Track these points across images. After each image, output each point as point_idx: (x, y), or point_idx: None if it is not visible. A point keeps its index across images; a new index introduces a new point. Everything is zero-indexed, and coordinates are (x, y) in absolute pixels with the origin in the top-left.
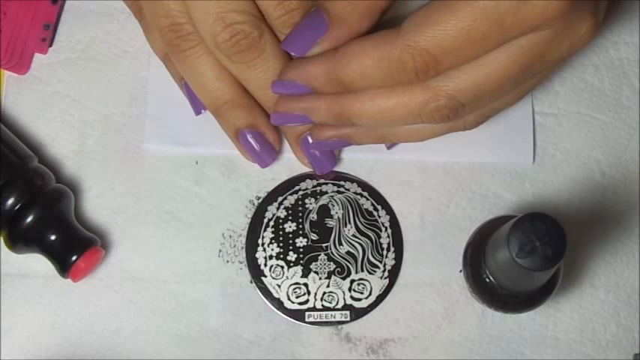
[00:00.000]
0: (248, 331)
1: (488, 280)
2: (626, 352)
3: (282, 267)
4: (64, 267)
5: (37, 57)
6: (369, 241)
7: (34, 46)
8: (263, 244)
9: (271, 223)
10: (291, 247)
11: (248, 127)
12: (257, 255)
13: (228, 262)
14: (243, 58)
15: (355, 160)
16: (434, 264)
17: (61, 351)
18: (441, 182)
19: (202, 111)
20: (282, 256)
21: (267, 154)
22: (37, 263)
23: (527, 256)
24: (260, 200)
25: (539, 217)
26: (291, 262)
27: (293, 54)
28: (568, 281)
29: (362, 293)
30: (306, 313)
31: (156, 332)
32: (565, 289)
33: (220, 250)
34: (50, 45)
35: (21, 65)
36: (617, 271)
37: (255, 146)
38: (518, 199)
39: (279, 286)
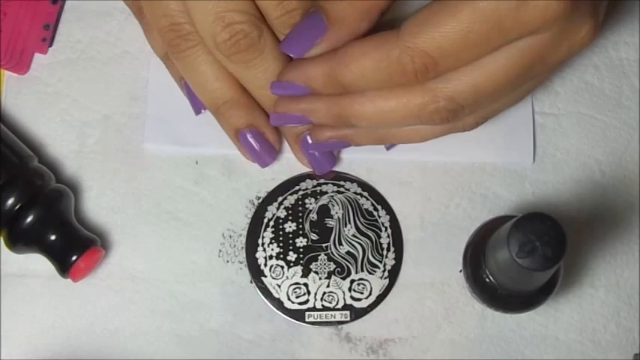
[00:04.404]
0: (248, 331)
1: (488, 280)
2: (626, 352)
3: (282, 267)
4: (64, 267)
5: (37, 57)
6: (369, 241)
7: (34, 46)
8: (263, 244)
9: (271, 223)
10: (291, 247)
11: (248, 127)
12: (257, 255)
13: (228, 262)
14: (242, 58)
15: (355, 160)
16: (434, 264)
17: (61, 351)
18: (441, 182)
19: (202, 111)
20: (282, 256)
21: (267, 154)
22: (37, 263)
23: (527, 256)
24: (260, 200)
25: (539, 217)
26: (291, 262)
27: (292, 55)
28: (568, 281)
29: (362, 293)
30: (306, 313)
31: (156, 332)
32: (565, 289)
33: (220, 250)
34: (50, 45)
35: (21, 65)
36: (617, 271)
37: (255, 146)
38: (518, 199)
39: (279, 286)
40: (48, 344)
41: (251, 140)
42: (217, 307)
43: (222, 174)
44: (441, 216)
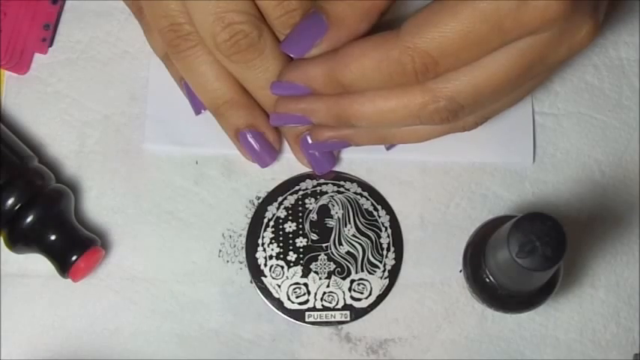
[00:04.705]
0: (248, 331)
1: (488, 280)
2: (626, 352)
3: (282, 267)
4: (64, 267)
5: (37, 57)
6: (369, 241)
7: (34, 46)
8: (263, 244)
9: (271, 223)
10: (291, 247)
11: (248, 127)
12: (257, 255)
13: (228, 262)
14: (242, 58)
15: (355, 160)
16: (434, 264)
17: (61, 351)
18: (441, 182)
19: (202, 111)
20: (282, 256)
21: (267, 154)
22: (37, 263)
23: (527, 256)
24: (260, 200)
25: (539, 217)
26: (291, 262)
27: (292, 55)
28: (568, 281)
29: (362, 293)
30: (306, 313)
31: (156, 332)
32: (565, 289)
33: (220, 250)
34: (50, 45)
35: (21, 65)
36: (617, 271)
37: (255, 146)
38: (518, 199)
39: (279, 286)
40: (48, 344)
41: (251, 140)
42: (217, 307)
43: (222, 174)
44: (441, 216)
